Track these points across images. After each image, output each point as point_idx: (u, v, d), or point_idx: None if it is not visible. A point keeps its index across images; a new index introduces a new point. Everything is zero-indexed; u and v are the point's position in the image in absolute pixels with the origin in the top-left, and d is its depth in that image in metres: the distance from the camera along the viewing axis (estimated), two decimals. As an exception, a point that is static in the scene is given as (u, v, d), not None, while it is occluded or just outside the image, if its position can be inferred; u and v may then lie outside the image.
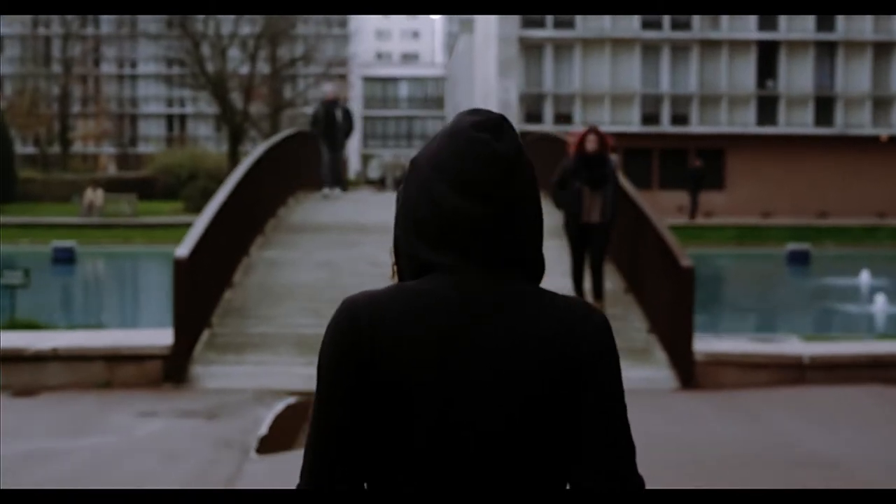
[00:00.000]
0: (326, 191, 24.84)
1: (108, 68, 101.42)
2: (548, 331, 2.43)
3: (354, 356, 2.43)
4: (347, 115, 24.93)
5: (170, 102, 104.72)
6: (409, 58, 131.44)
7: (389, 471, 2.45)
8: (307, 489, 2.47)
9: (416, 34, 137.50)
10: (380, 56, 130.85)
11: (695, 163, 48.54)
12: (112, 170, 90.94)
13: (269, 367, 13.49)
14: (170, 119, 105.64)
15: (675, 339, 13.56)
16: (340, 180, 25.72)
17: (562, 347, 2.43)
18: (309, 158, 25.60)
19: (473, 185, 2.45)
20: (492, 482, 2.42)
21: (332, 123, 24.57)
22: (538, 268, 2.54)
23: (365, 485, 2.49)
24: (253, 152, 20.05)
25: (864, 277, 30.26)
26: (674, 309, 13.61)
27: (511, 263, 2.48)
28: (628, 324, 15.22)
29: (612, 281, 17.26)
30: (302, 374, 13.15)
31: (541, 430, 2.42)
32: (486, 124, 2.49)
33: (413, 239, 2.50)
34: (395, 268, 2.58)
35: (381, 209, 23.07)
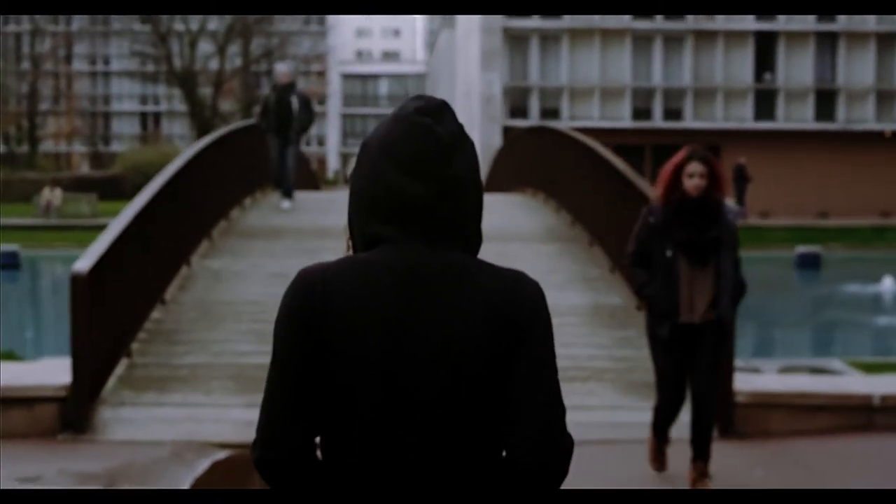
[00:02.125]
0: (286, 204, 20.10)
1: (80, 65, 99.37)
2: (486, 300, 2.64)
3: (308, 322, 2.63)
4: (306, 105, 19.75)
5: (144, 100, 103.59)
6: (389, 56, 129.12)
7: (340, 430, 2.64)
8: (260, 446, 2.67)
9: (396, 32, 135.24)
10: (360, 54, 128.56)
11: (739, 160, 45.57)
12: (85, 169, 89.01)
13: (198, 410, 10.70)
14: (144, 117, 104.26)
15: (707, 373, 10.79)
16: (290, 186, 20.25)
17: (498, 317, 2.63)
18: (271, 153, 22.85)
19: (418, 166, 2.66)
20: (434, 441, 2.61)
21: (285, 114, 19.50)
22: (477, 241, 2.75)
23: (317, 441, 2.67)
24: (195, 144, 17.22)
25: (888, 284, 27.60)
26: (706, 335, 10.83)
27: (452, 237, 2.69)
28: (640, 350, 12.45)
29: (618, 293, 14.51)
30: (237, 420, 10.38)
31: (480, 392, 2.62)
32: (429, 109, 2.71)
33: (364, 215, 2.71)
34: (349, 242, 2.79)
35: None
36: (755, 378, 11.31)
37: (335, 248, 16.07)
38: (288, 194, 20.19)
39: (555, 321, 11.02)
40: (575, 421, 10.59)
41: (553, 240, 17.93)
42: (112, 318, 11.20)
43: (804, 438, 10.19)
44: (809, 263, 33.25)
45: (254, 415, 11.09)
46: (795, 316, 25.85)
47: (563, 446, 2.65)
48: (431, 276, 2.63)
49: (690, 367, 8.41)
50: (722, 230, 8.32)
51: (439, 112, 2.70)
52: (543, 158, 22.62)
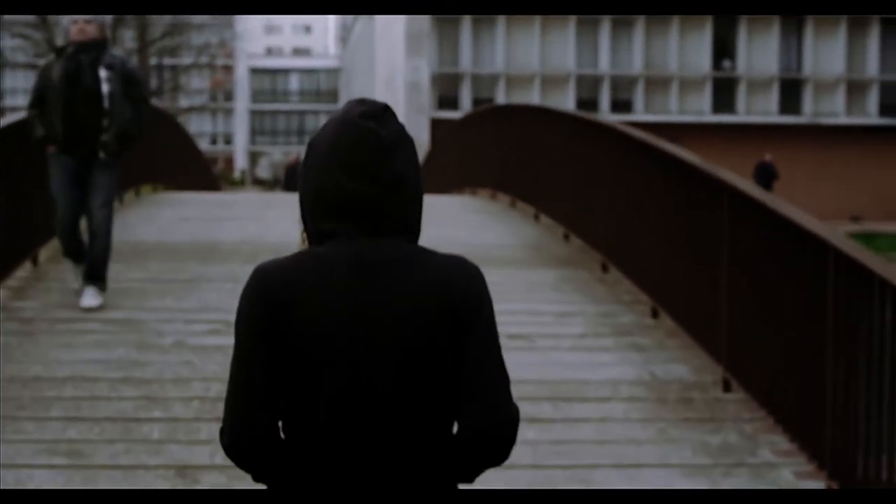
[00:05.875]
0: (90, 298, 9.73)
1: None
2: (432, 284, 2.80)
3: (269, 316, 2.73)
4: (129, 81, 9.75)
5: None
6: (300, 52, 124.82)
7: (304, 416, 2.75)
8: (229, 433, 2.76)
9: (307, 28, 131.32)
10: (270, 51, 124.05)
11: (764, 157, 41.26)
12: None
13: None
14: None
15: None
16: (100, 257, 9.85)
17: (444, 298, 2.78)
18: (170, 140, 17.67)
19: (363, 168, 2.81)
20: (395, 421, 2.76)
21: (86, 102, 9.61)
22: (418, 231, 2.91)
23: (280, 425, 2.78)
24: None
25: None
26: None
27: (398, 229, 2.85)
28: (756, 473, 7.01)
29: (674, 354, 9.06)
30: None
31: (434, 373, 2.77)
32: (372, 113, 2.85)
33: (314, 213, 2.85)
34: (304, 235, 2.90)
35: (254, 218, 14.70)
36: None
37: (227, 278, 10.56)
38: (96, 275, 9.89)
39: (593, 412, 7.40)
40: None
41: (545, 263, 12.44)
42: None
43: None
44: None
45: None
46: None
47: (512, 416, 2.83)
48: (383, 267, 2.80)
49: None
50: None
51: (383, 116, 2.85)
52: (513, 147, 17.14)
